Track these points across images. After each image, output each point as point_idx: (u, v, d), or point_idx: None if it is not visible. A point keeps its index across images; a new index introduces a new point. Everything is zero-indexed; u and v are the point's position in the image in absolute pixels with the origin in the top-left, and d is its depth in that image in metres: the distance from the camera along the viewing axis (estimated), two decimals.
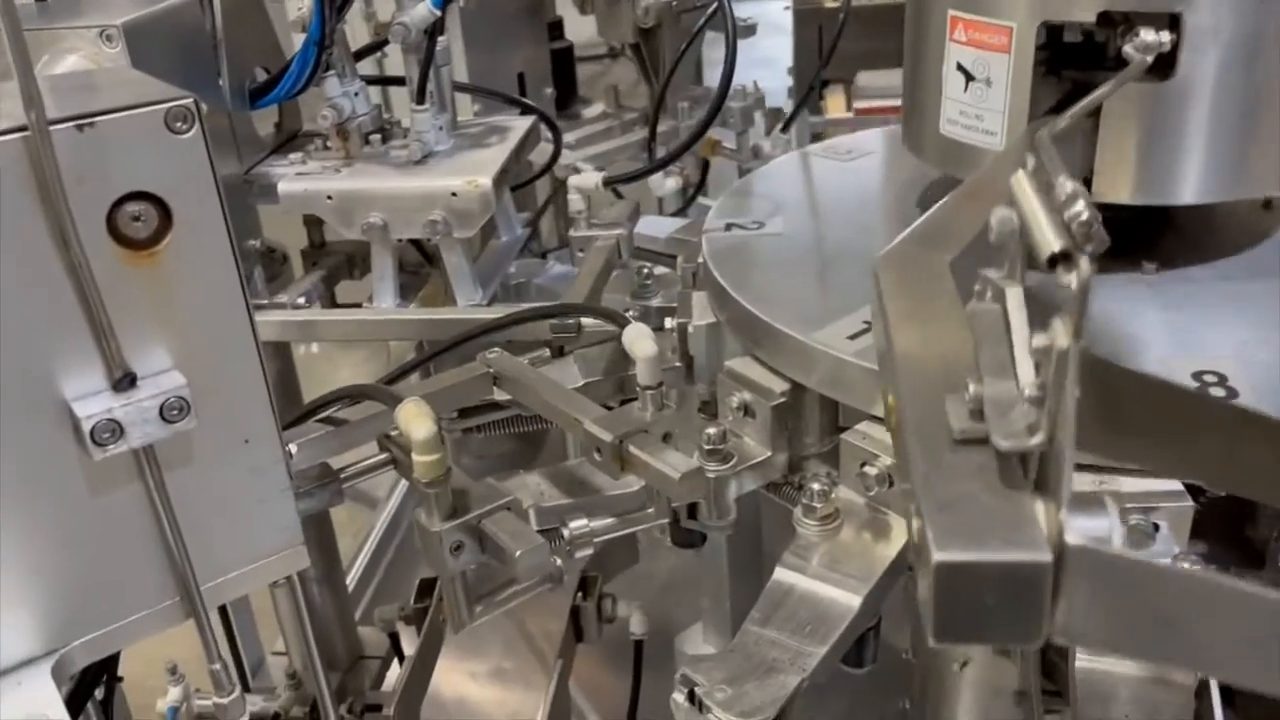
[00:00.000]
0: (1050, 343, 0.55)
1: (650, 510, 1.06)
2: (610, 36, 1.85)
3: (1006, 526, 0.56)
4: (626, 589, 1.67)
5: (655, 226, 1.62)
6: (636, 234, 1.71)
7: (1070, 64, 1.04)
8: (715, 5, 1.72)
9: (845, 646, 0.92)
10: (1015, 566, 0.54)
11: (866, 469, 0.95)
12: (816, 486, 0.95)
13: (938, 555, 0.54)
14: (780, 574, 0.94)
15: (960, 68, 1.09)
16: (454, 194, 1.26)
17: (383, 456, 1.01)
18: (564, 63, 1.97)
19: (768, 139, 1.93)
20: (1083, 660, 0.85)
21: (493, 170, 1.29)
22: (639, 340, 1.02)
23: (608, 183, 1.42)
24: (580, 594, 1.60)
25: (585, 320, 1.18)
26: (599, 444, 0.99)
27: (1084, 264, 0.54)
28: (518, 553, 0.83)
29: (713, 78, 2.15)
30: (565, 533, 1.03)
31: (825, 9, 3.04)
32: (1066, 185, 0.58)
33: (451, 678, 1.98)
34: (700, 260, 1.25)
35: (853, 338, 1.00)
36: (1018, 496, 0.57)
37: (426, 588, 1.62)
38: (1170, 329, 0.99)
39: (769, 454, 1.06)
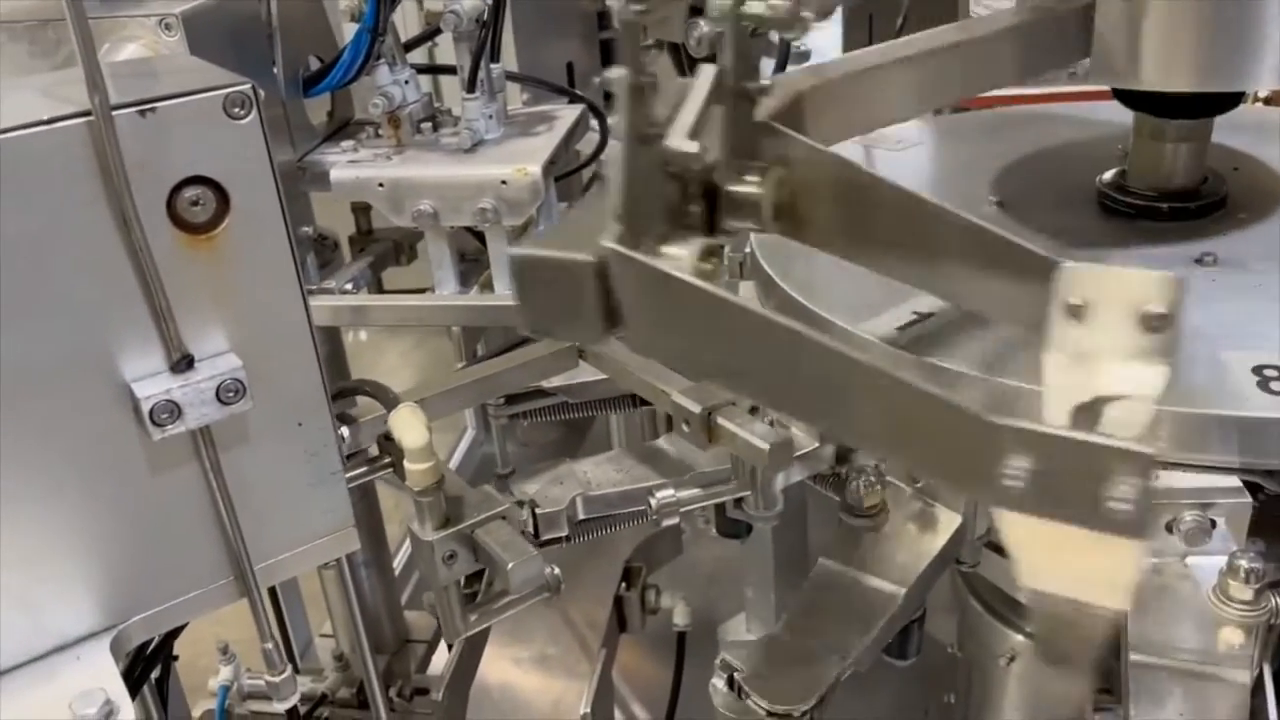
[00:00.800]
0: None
1: (735, 482, 1.06)
2: (659, 33, 1.84)
3: (580, 233, 0.64)
4: (670, 580, 1.67)
5: None
6: None
7: None
8: None
9: (888, 637, 0.91)
10: (561, 262, 0.63)
11: None
12: (864, 478, 0.95)
13: (513, 250, 0.66)
14: (825, 564, 0.94)
15: None
16: (504, 182, 1.26)
17: (385, 459, 1.01)
18: (613, 53, 1.97)
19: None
20: (1137, 658, 0.84)
21: (542, 159, 1.29)
22: None
23: None
24: (624, 584, 1.60)
25: None
26: (687, 415, 0.99)
27: None
28: (510, 564, 0.83)
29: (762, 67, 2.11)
30: (652, 502, 1.04)
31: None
32: None
33: (496, 664, 2.00)
34: (748, 250, 1.24)
35: (902, 329, 0.99)
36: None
37: (476, 573, 1.64)
38: (1229, 321, 0.97)
39: (816, 445, 1.05)
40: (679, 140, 0.67)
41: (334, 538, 0.93)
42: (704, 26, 0.80)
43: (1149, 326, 0.66)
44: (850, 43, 2.88)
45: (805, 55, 1.83)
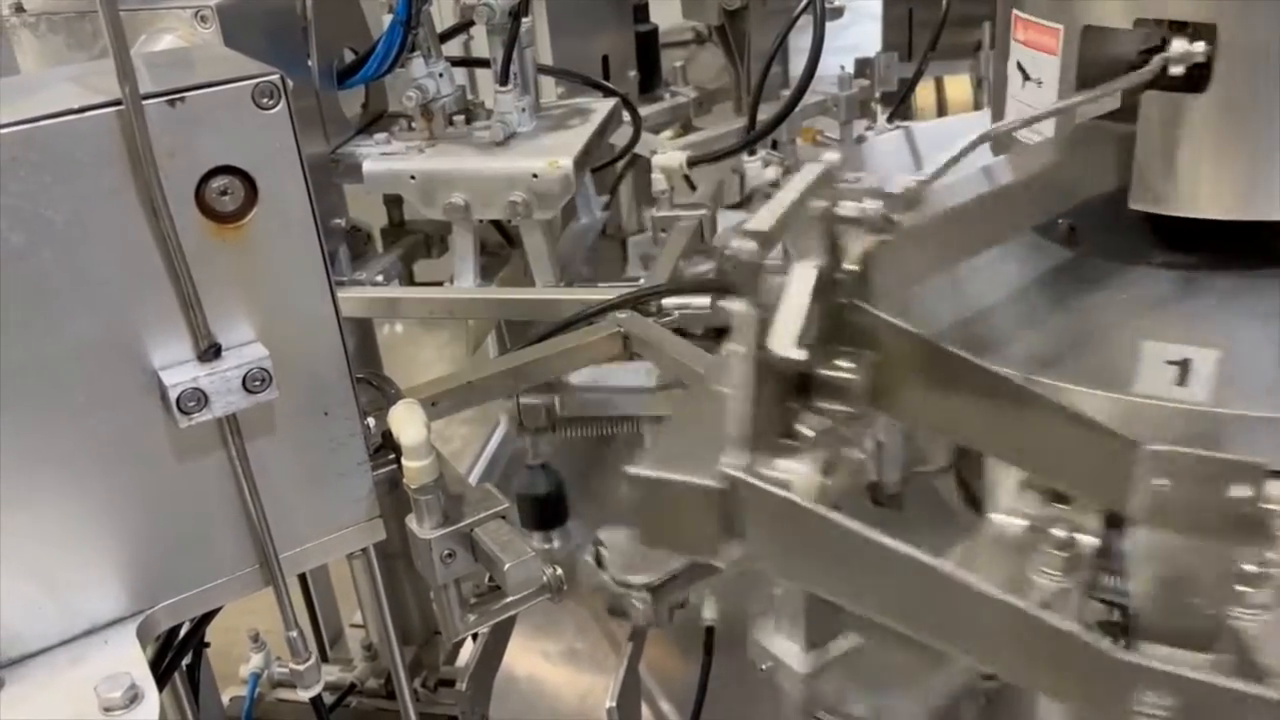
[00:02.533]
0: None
1: None
2: (695, 18, 1.84)
3: (701, 455, 0.64)
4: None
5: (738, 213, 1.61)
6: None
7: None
8: None
9: None
10: (684, 486, 0.64)
11: None
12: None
13: (631, 470, 0.65)
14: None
15: (1020, 66, 1.09)
16: (535, 175, 1.26)
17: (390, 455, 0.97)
18: (648, 46, 1.96)
19: (873, 128, 1.89)
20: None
21: (574, 152, 1.28)
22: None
23: (691, 163, 1.40)
24: None
25: (667, 301, 1.17)
26: None
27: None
28: (508, 565, 0.82)
29: (798, 64, 2.12)
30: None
31: None
32: None
33: (524, 657, 2.00)
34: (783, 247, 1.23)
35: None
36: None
37: None
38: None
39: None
40: (786, 348, 0.66)
41: (360, 528, 0.93)
42: None
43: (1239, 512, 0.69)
44: (889, 38, 2.86)
45: (839, 11, 1.81)
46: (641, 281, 1.28)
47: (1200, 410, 0.83)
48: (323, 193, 1.33)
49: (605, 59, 1.88)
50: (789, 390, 0.73)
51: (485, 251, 1.44)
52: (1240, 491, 0.70)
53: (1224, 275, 1.02)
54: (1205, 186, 0.99)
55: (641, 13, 1.98)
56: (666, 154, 1.39)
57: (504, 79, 1.32)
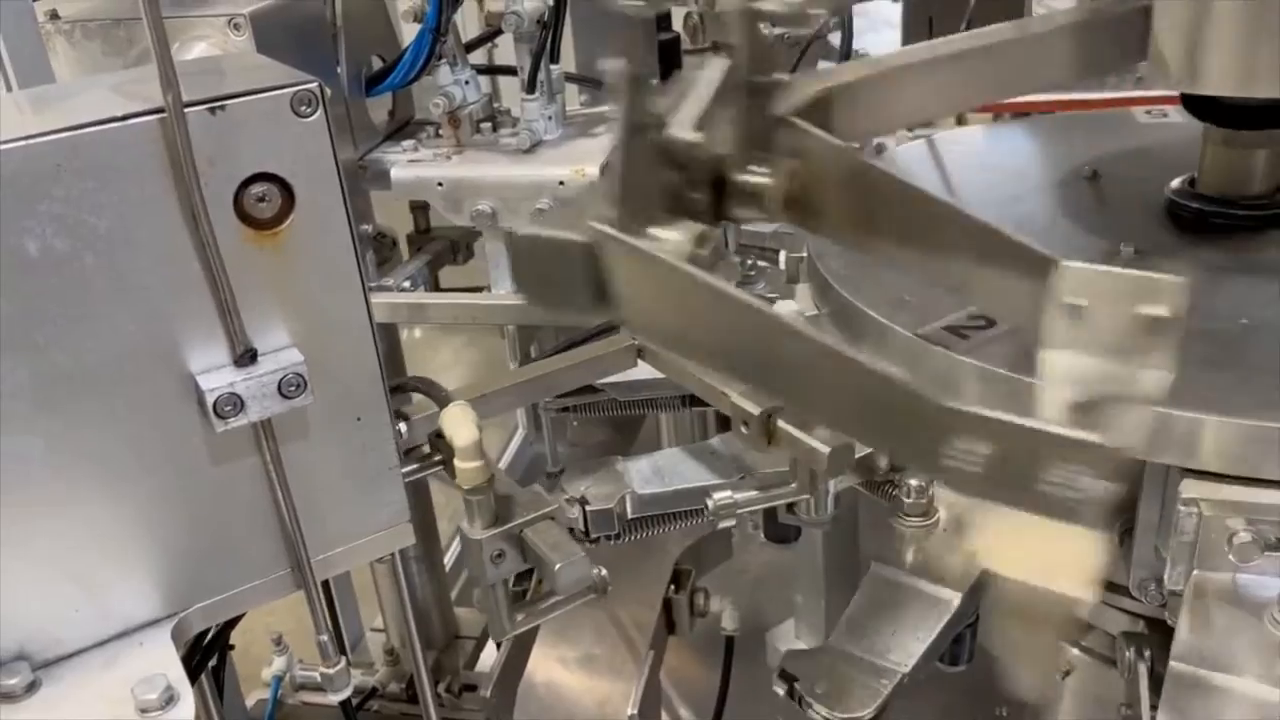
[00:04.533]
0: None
1: (794, 484, 1.05)
2: (716, 33, 1.84)
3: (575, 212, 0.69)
4: (719, 584, 1.66)
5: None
6: (744, 228, 1.70)
7: None
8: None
9: (944, 645, 0.90)
10: (555, 242, 0.67)
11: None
12: (914, 483, 0.94)
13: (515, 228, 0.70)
14: (878, 569, 0.93)
15: None
16: (561, 183, 1.27)
17: (437, 457, 1.00)
18: (670, 54, 1.96)
19: (893, 137, 1.89)
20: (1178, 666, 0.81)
21: (600, 159, 1.29)
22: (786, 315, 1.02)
23: None
24: (673, 586, 1.60)
25: None
26: (746, 417, 0.98)
27: None
28: (558, 565, 0.83)
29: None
30: (709, 502, 1.03)
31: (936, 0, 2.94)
32: None
33: (544, 663, 2.01)
34: (804, 253, 1.23)
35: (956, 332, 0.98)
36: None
37: (526, 570, 1.65)
38: None
39: (869, 450, 1.04)
40: (681, 129, 0.69)
41: (390, 532, 0.94)
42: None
43: (1149, 329, 0.68)
44: (909, 43, 2.84)
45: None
46: None
47: None
48: (350, 199, 1.34)
49: None
50: (699, 185, 0.75)
51: None
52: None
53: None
54: (1215, 60, 0.97)
55: (664, 21, 1.98)
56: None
57: (531, 87, 1.33)
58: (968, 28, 1.78)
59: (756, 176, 0.77)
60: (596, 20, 1.83)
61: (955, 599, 0.90)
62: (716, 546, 1.68)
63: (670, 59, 1.99)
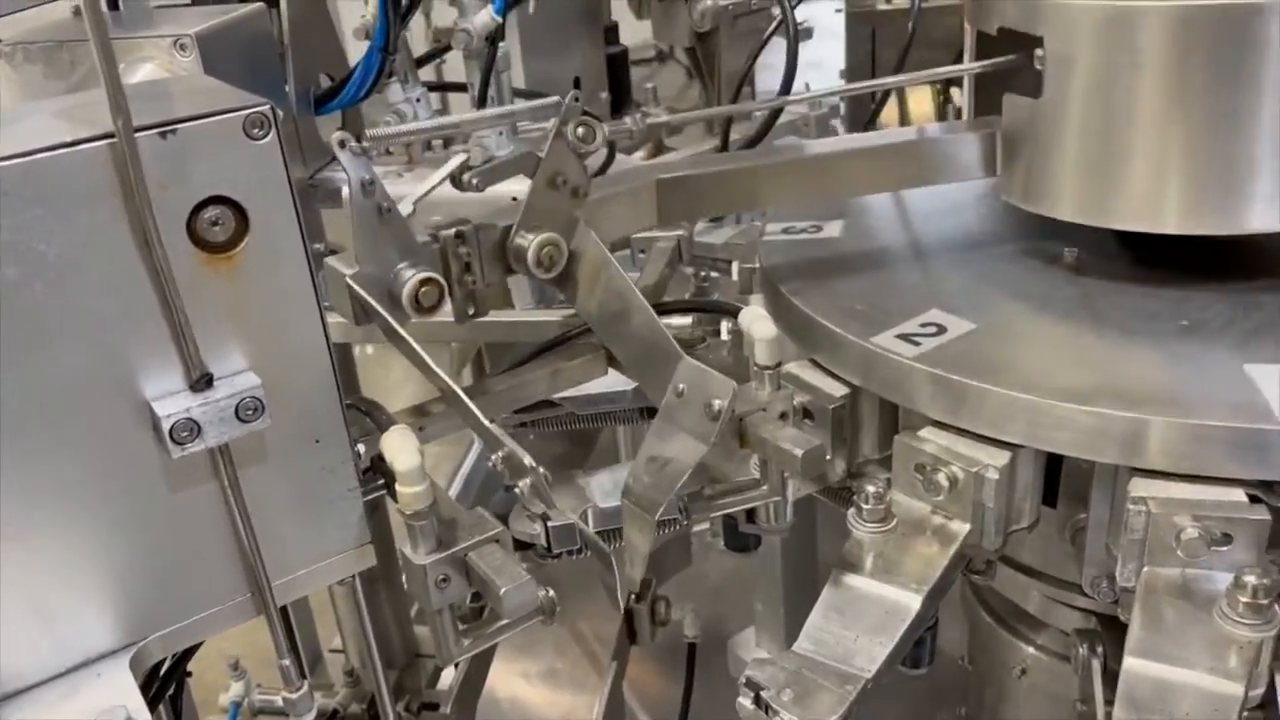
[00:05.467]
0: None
1: (765, 487, 1.07)
2: (666, 40, 1.86)
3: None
4: (679, 592, 1.67)
5: (714, 233, 1.64)
6: (695, 240, 1.72)
7: None
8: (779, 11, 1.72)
9: (906, 648, 0.92)
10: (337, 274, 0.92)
11: (935, 475, 0.95)
12: (871, 489, 0.95)
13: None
14: (838, 575, 0.94)
15: None
16: (514, 199, 1.27)
17: (380, 480, 0.98)
18: (619, 67, 1.98)
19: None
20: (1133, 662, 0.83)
21: None
22: (757, 321, 1.03)
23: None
24: (634, 596, 1.60)
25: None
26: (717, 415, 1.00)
27: None
28: (503, 589, 0.82)
29: (765, 81, 2.14)
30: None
31: (879, 12, 2.99)
32: None
33: (506, 678, 2.00)
34: (757, 264, 1.25)
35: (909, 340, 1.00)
36: None
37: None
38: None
39: (828, 457, 1.06)
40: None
41: (351, 554, 0.93)
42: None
43: (711, 415, 0.92)
44: (853, 58, 2.89)
45: (809, 32, 1.84)
46: None
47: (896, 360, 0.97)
48: (305, 218, 1.34)
49: (577, 81, 1.89)
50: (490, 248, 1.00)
51: None
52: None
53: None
54: (1064, 188, 1.06)
55: (611, 35, 2.00)
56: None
57: (482, 103, 1.33)
58: (908, 46, 1.81)
59: (520, 240, 0.99)
60: (546, 36, 1.84)
61: (915, 602, 0.91)
62: (676, 555, 1.69)
63: (619, 72, 2.00)
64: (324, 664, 1.82)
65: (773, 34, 1.64)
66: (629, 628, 1.65)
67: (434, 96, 1.46)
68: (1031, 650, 1.28)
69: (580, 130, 1.00)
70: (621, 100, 2.02)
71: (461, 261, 0.99)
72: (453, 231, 0.99)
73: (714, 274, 1.51)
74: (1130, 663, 0.82)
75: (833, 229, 1.27)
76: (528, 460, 0.84)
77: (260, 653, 1.52)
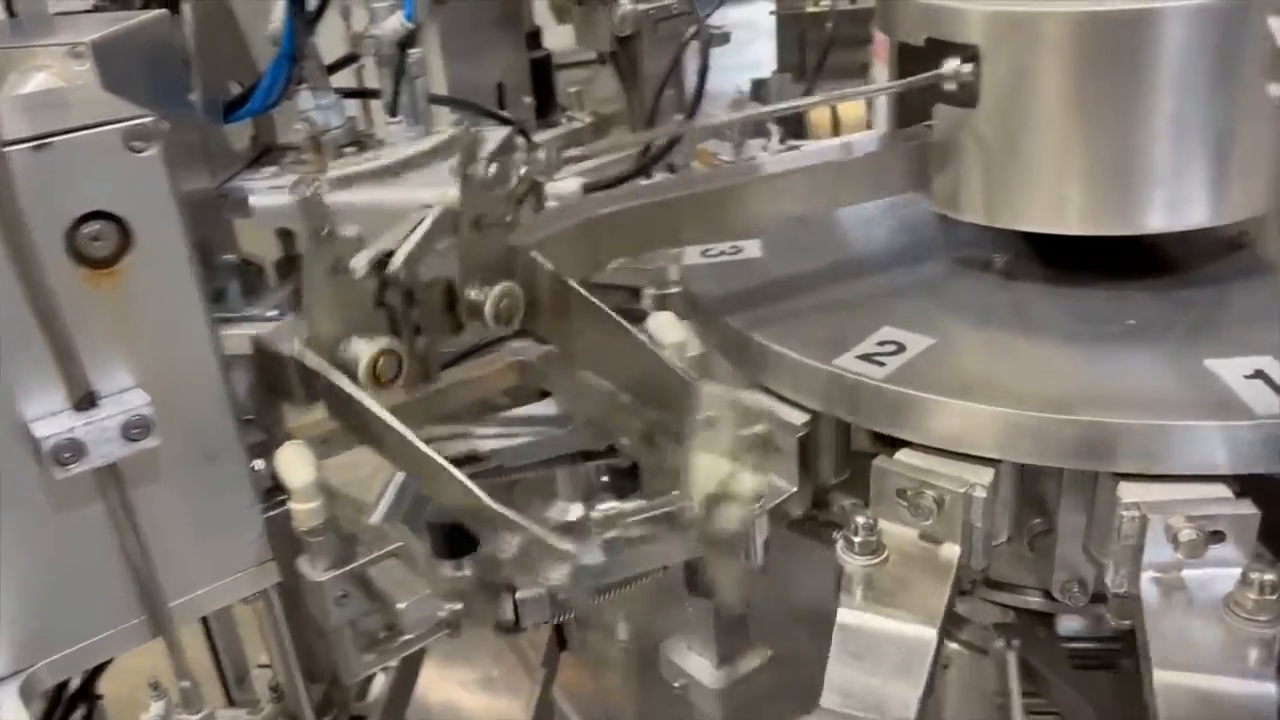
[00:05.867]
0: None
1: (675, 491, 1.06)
2: (589, 45, 1.86)
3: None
4: (610, 597, 1.67)
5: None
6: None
7: None
8: (714, 6, 1.73)
9: (934, 684, 0.87)
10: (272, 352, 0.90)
11: (920, 499, 0.92)
12: (861, 519, 0.91)
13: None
14: (843, 617, 0.89)
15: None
16: (426, 205, 1.26)
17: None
18: (542, 72, 1.97)
19: (765, 151, 1.92)
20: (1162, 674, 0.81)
21: None
22: (667, 327, 1.03)
23: (588, 190, 1.42)
24: None
25: None
26: (630, 430, 1.03)
27: None
28: (401, 604, 0.81)
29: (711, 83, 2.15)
30: (594, 515, 1.00)
31: (808, 14, 3.02)
32: None
33: (440, 685, 1.99)
34: (673, 290, 1.22)
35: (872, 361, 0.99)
36: None
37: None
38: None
39: (794, 489, 1.03)
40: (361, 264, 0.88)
41: (254, 572, 0.92)
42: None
43: (754, 444, 0.89)
44: (784, 59, 2.92)
45: (725, 37, 1.84)
46: None
47: (869, 383, 0.95)
48: (211, 228, 1.31)
49: (500, 86, 1.88)
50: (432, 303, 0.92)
51: None
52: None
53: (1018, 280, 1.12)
54: (975, 192, 1.07)
55: (535, 40, 1.99)
56: (563, 181, 1.40)
57: (393, 110, 1.31)
58: (827, 47, 1.83)
59: (476, 294, 0.93)
60: (467, 41, 1.82)
61: (932, 635, 0.86)
62: None
63: (543, 77, 1.99)
64: (250, 679, 1.79)
65: (689, 42, 1.64)
66: (559, 635, 1.64)
67: (352, 103, 1.43)
68: (955, 646, 1.28)
69: (493, 170, 0.96)
70: (547, 105, 2.01)
71: (411, 325, 0.91)
72: (399, 292, 0.91)
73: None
74: (1162, 676, 0.80)
75: (753, 249, 1.25)
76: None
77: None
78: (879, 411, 0.96)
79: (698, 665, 1.50)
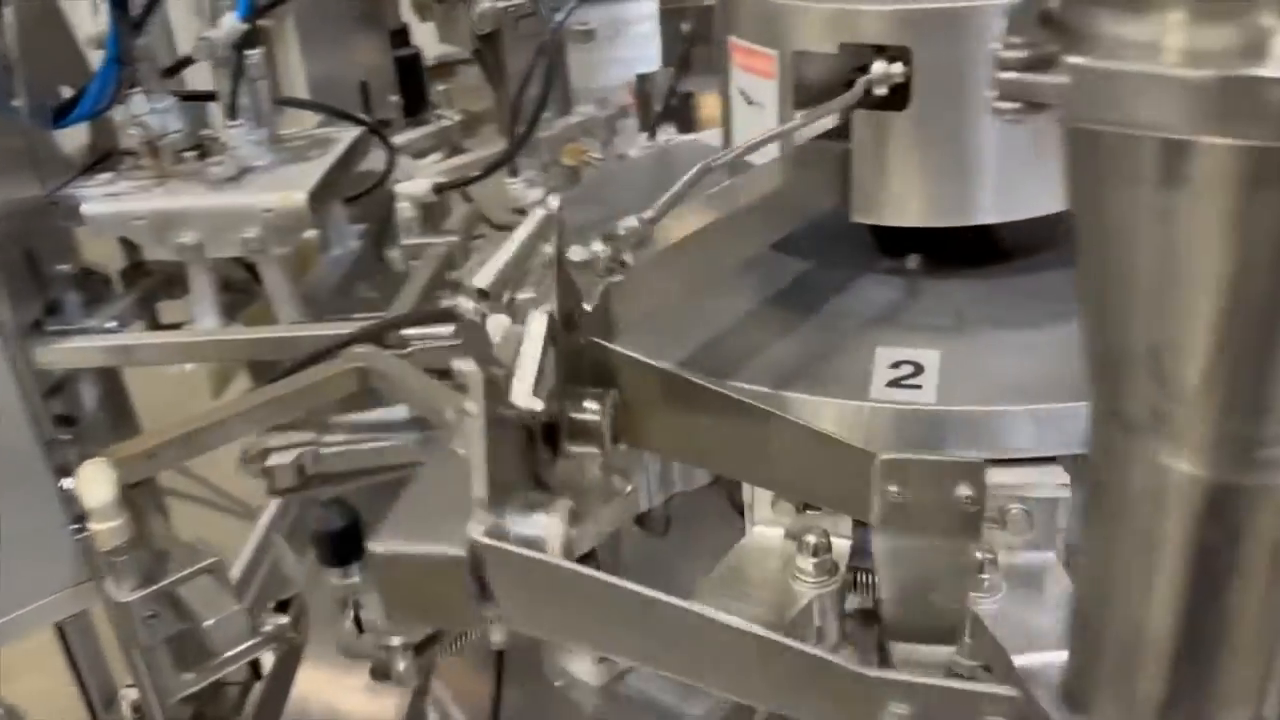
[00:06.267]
0: (463, 368, 0.61)
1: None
2: (451, 43, 1.84)
3: (442, 523, 0.61)
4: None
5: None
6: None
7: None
8: (567, 12, 1.72)
9: None
10: (434, 559, 0.61)
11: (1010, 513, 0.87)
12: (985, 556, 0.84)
13: (374, 547, 0.61)
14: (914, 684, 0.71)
15: (742, 92, 1.13)
16: (268, 210, 1.24)
17: None
18: (410, 70, 1.95)
19: (635, 146, 1.92)
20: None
21: (309, 184, 1.26)
22: (501, 328, 1.01)
23: (439, 189, 1.40)
24: None
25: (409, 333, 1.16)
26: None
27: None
28: (207, 622, 0.80)
29: (585, 79, 2.15)
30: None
31: (690, 7, 3.02)
32: None
33: (325, 689, 1.96)
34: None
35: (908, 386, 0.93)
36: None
37: (282, 607, 1.60)
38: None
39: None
40: (525, 399, 0.66)
41: (70, 593, 0.90)
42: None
43: (962, 508, 0.74)
44: (669, 53, 2.92)
45: (590, 34, 1.83)
46: None
47: (927, 409, 0.88)
48: (44, 237, 1.27)
49: (364, 85, 1.85)
50: (535, 439, 0.70)
51: (233, 289, 1.41)
52: (964, 490, 0.74)
53: (945, 279, 1.08)
54: (912, 197, 1.05)
55: (402, 38, 1.97)
56: (412, 182, 1.38)
57: (233, 113, 1.29)
58: (690, 45, 1.83)
59: (585, 414, 0.75)
60: (327, 41, 1.79)
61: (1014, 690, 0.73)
62: None
63: (412, 75, 1.97)
64: (119, 701, 1.74)
65: (551, 40, 1.63)
66: (434, 636, 1.63)
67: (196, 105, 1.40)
68: None
69: (609, 249, 0.77)
70: (417, 105, 1.99)
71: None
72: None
73: None
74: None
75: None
76: None
77: (54, 687, 1.46)
78: (933, 438, 0.89)
79: (578, 663, 1.50)
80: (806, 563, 0.85)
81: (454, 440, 0.67)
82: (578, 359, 0.76)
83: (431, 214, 1.59)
